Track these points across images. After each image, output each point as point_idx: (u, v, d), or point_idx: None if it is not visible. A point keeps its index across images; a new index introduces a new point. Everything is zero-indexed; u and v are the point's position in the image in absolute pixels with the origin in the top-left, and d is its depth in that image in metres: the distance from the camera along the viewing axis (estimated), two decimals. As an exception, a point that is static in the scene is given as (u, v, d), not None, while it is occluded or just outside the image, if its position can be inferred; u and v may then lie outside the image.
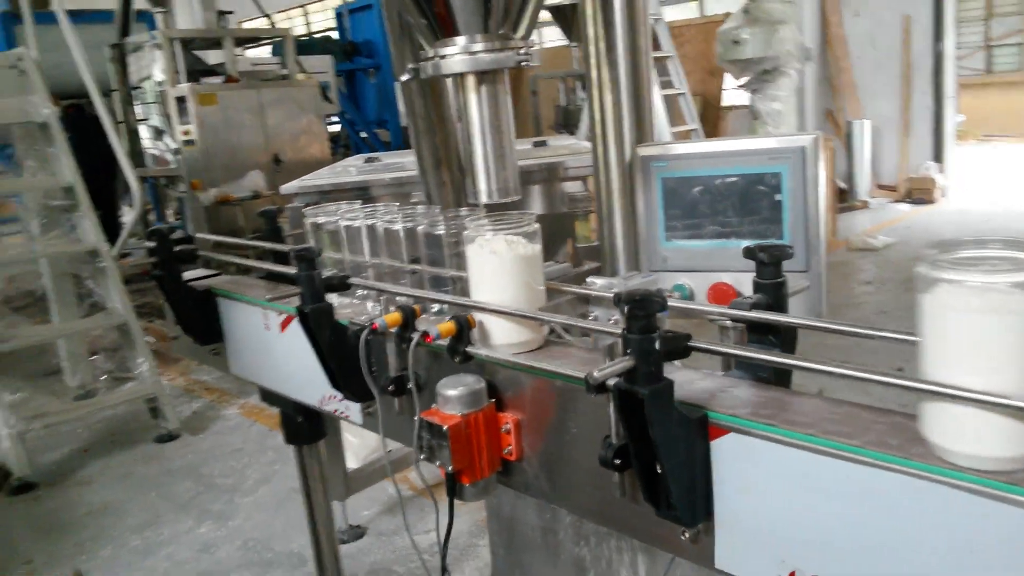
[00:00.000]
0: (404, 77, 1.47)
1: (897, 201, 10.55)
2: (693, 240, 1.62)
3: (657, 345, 1.06)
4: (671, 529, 1.20)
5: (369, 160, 4.06)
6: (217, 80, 8.93)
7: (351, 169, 3.87)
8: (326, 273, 1.66)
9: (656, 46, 7.89)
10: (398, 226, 1.62)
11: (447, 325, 1.40)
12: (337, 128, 13.38)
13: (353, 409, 1.82)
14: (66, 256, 5.18)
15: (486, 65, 1.35)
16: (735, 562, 1.16)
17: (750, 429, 1.10)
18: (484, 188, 1.45)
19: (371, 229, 1.76)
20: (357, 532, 3.50)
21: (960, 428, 0.91)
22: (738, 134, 11.60)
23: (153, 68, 9.29)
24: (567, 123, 10.77)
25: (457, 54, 1.35)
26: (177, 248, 2.26)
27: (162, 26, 8.80)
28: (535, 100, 11.44)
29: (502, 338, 1.44)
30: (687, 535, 1.18)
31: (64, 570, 3.43)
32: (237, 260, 2.28)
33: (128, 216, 10.36)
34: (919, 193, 10.35)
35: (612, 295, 1.26)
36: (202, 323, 2.28)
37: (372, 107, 11.93)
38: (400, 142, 11.29)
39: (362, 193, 3.58)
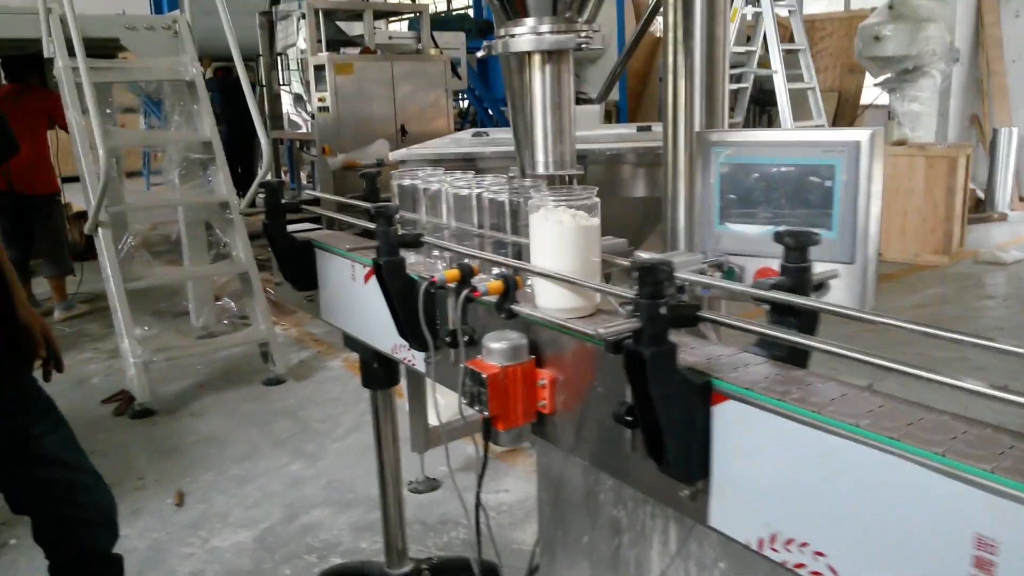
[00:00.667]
0: (480, 54, 1.58)
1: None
2: (746, 225, 1.68)
3: (663, 311, 1.14)
4: (673, 486, 1.29)
5: (477, 134, 4.22)
6: (355, 51, 9.32)
7: (461, 141, 4.04)
8: (402, 231, 1.82)
9: (789, 38, 7.70)
10: (467, 191, 1.75)
11: (495, 283, 1.52)
12: (466, 104, 13.68)
13: (419, 358, 1.97)
14: (200, 206, 5.60)
15: (549, 45, 1.45)
16: (726, 522, 1.24)
17: (749, 398, 1.17)
18: (542, 160, 1.56)
19: (446, 193, 1.90)
20: (432, 484, 3.69)
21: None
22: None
23: (298, 36, 9.76)
24: (693, 112, 10.59)
25: (525, 34, 1.46)
26: (283, 200, 2.47)
27: (307, -4, 9.21)
28: (661, 87, 11.38)
29: (556, 303, 1.53)
30: (686, 492, 1.27)
31: (170, 488, 3.78)
32: (333, 215, 2.47)
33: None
34: (1065, 209, 9.71)
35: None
36: (300, 271, 2.49)
37: (500, 85, 12.09)
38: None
39: (468, 164, 3.75)
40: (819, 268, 1.62)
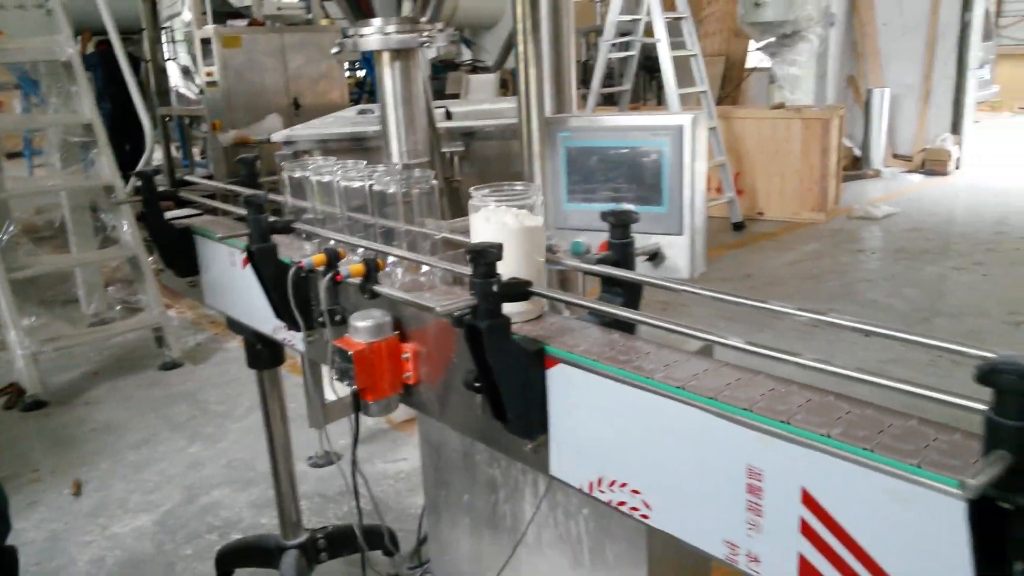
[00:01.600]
0: (333, 51, 1.68)
1: (911, 172, 10.56)
2: (590, 202, 1.83)
3: (495, 288, 1.28)
4: (519, 442, 1.44)
5: (362, 111, 4.27)
6: (243, 23, 9.12)
7: (346, 119, 4.09)
8: (272, 218, 1.90)
9: (672, 6, 7.94)
10: (331, 179, 1.85)
11: (357, 266, 1.64)
12: (362, 73, 13.52)
13: (297, 338, 2.07)
14: (83, 190, 5.47)
15: (396, 44, 1.56)
16: (563, 470, 1.40)
17: (577, 362, 1.33)
18: (396, 149, 1.67)
19: (318, 182, 1.99)
20: (331, 458, 3.79)
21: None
22: (757, 97, 11.61)
23: (183, 8, 9.48)
24: (586, 78, 10.81)
25: (372, 34, 1.56)
26: (160, 189, 2.51)
27: (192, -33, 8.95)
28: (556, 55, 11.51)
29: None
30: (529, 447, 1.42)
31: (66, 479, 3.77)
32: (212, 203, 2.52)
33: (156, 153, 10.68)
34: (933, 165, 10.36)
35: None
36: (181, 258, 2.54)
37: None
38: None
39: (354, 143, 3.81)
40: (655, 239, 1.81)
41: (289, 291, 1.78)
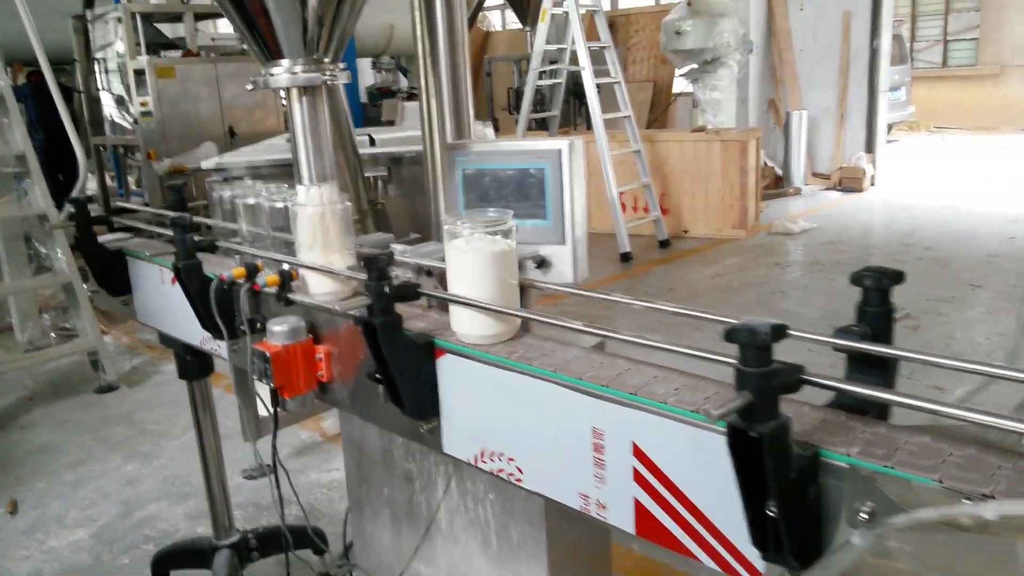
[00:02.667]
0: (248, 87, 1.89)
1: (829, 189, 11.09)
2: (485, 217, 2.06)
3: (387, 289, 1.50)
4: (417, 424, 1.65)
5: (289, 140, 4.45)
6: (176, 53, 9.21)
7: (273, 147, 4.27)
8: (197, 237, 2.09)
9: (595, 36, 8.30)
10: (252, 201, 2.05)
11: (272, 277, 1.84)
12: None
13: (223, 347, 2.25)
14: (16, 220, 5.53)
15: (303, 82, 1.78)
16: (454, 447, 1.62)
17: (458, 351, 1.55)
18: (305, 173, 1.88)
19: (243, 204, 2.19)
20: (264, 470, 3.93)
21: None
22: (684, 120, 12.07)
23: (115, 39, 9.53)
24: (518, 104, 11.12)
25: (282, 73, 1.78)
26: (93, 215, 2.67)
27: (124, 0, 9.02)
28: (489, 82, 11.84)
29: (476, 330, 1.54)
30: (425, 428, 1.64)
31: (2, 499, 3.84)
32: (144, 226, 2.69)
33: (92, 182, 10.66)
34: (849, 182, 10.90)
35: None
36: (114, 279, 2.70)
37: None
38: (360, 117, 11.64)
39: (282, 169, 4.00)
40: (542, 250, 2.04)
41: (212, 302, 1.96)
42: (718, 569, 1.21)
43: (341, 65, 1.84)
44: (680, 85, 12.68)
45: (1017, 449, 1.04)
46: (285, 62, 1.77)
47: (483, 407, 1.53)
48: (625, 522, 1.32)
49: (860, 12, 11.00)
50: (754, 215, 8.63)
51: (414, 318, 1.72)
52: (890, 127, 16.29)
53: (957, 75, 19.12)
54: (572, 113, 10.00)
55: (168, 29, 9.89)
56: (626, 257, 7.71)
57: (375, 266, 1.49)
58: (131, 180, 12.02)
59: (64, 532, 3.54)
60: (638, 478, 1.28)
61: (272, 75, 1.79)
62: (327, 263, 1.83)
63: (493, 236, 1.55)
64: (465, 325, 1.56)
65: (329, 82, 1.78)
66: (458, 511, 2.29)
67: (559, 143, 1.94)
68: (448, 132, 2.22)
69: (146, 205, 9.09)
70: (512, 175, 2.00)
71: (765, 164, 11.38)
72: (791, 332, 1.05)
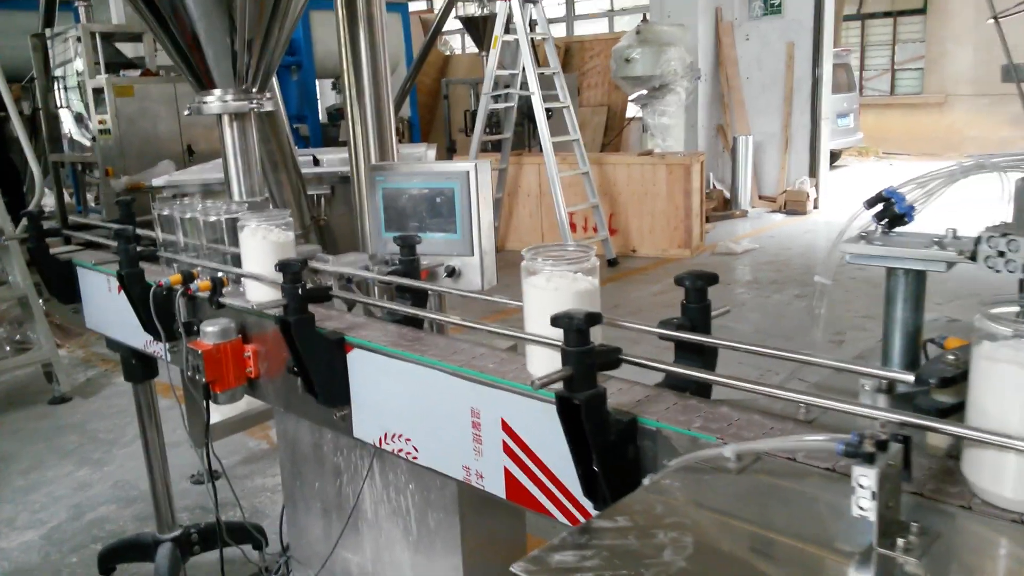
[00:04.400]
0: (185, 113, 2.10)
1: (774, 211, 11.49)
2: (402, 231, 2.29)
3: (300, 291, 1.72)
4: (330, 412, 1.87)
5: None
6: (135, 72, 9.34)
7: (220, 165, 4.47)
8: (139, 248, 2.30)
9: (545, 62, 8.61)
10: (189, 215, 2.26)
11: (205, 283, 2.05)
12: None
13: (162, 348, 2.45)
14: (-28, 235, 5.64)
15: (233, 109, 2.01)
16: (363, 431, 1.84)
17: (368, 347, 1.77)
18: (236, 190, 2.11)
19: (181, 218, 2.40)
20: (214, 475, 4.09)
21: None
22: (637, 144, 12.43)
23: (75, 58, 9.64)
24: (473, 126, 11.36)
25: (215, 101, 2.00)
26: (45, 227, 2.86)
27: (84, 19, 9.14)
28: (446, 104, 12.11)
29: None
30: (337, 415, 1.85)
31: (-46, 505, 3.97)
32: (95, 239, 2.88)
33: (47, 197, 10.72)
34: (793, 205, 11.31)
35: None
36: (64, 287, 2.88)
37: (293, 103, 12.33)
38: (319, 137, 11.84)
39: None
40: (453, 261, 2.28)
41: (151, 306, 2.17)
42: (569, 524, 1.44)
43: (268, 94, 2.07)
44: (633, 109, 13.05)
45: (799, 417, 1.29)
46: (217, 91, 2.00)
47: (385, 395, 1.76)
48: (498, 489, 1.55)
49: (803, 43, 11.46)
50: (699, 235, 8.96)
51: (331, 319, 1.94)
52: (840, 153, 16.86)
53: (904, 103, 19.79)
54: (527, 135, 10.28)
55: (128, 49, 10.01)
56: (574, 275, 7.97)
57: (289, 271, 1.72)
58: (90, 197, 12.09)
59: (14, 534, 3.68)
60: (507, 450, 1.51)
61: (205, 102, 2.01)
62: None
63: (574, 274, 1.43)
64: (543, 367, 1.36)
65: (256, 109, 2.01)
66: (381, 501, 2.50)
67: (467, 165, 2.19)
68: (372, 155, 2.45)
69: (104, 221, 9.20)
70: (426, 194, 2.24)
71: (713, 187, 11.78)
72: (605, 320, 1.29)
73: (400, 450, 1.75)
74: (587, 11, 15.93)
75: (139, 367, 2.79)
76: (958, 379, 1.08)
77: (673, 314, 1.49)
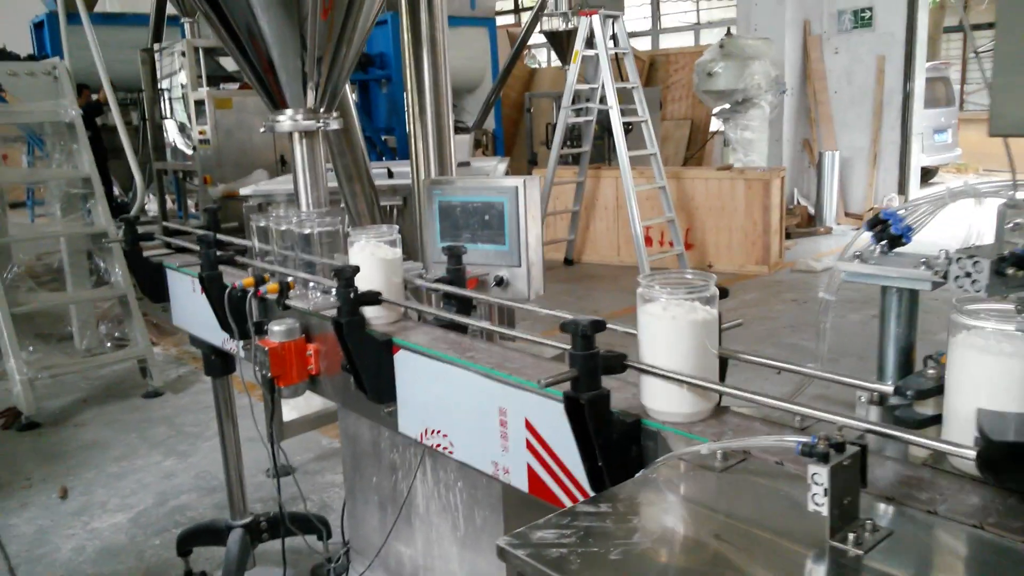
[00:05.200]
0: (261, 130, 2.30)
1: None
2: (456, 241, 2.44)
3: (352, 295, 1.88)
4: (379, 408, 2.02)
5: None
6: (234, 86, 9.85)
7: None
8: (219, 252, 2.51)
9: (625, 76, 8.69)
10: (263, 223, 2.46)
11: (273, 286, 2.24)
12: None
13: (240, 346, 2.65)
14: (81, 236, 6.10)
15: (303, 128, 2.19)
16: (407, 426, 1.98)
17: (413, 348, 1.92)
18: (304, 202, 2.29)
19: (271, 228, 2.60)
20: (286, 470, 4.33)
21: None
22: (719, 158, 12.35)
23: (179, 72, 10.22)
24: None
25: (286, 120, 2.19)
26: (140, 231, 3.12)
27: (189, 35, 9.69)
28: (529, 117, 12.29)
29: (669, 406, 1.37)
30: (385, 411, 2.00)
31: (55, 486, 4.31)
32: (178, 242, 3.13)
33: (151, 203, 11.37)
34: (880, 222, 11.02)
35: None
36: (155, 287, 3.14)
37: (382, 115, 12.72)
38: (406, 149, 12.20)
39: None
40: (502, 271, 2.41)
41: (226, 305, 2.37)
42: (584, 517, 1.54)
43: (335, 114, 2.25)
44: (716, 123, 12.97)
45: (795, 424, 1.37)
46: (288, 111, 2.19)
47: (427, 393, 1.90)
48: (522, 483, 1.67)
49: (894, 57, 11.20)
50: (778, 251, 8.87)
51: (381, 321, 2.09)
52: (936, 169, 16.30)
53: (1007, 118, 18.95)
54: (606, 149, 10.36)
55: (228, 63, 10.55)
56: (648, 289, 8.01)
57: (342, 276, 1.88)
58: (191, 204, 12.76)
59: (106, 516, 3.98)
60: (529, 447, 1.63)
61: (278, 121, 2.20)
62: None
63: (692, 303, 1.39)
64: (661, 400, 1.37)
65: (323, 128, 2.18)
66: (432, 497, 2.64)
67: (516, 180, 2.32)
68: (433, 169, 2.61)
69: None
70: (478, 207, 2.38)
71: (798, 203, 11.60)
72: (608, 326, 1.40)
73: (438, 445, 1.89)
74: (673, 24, 15.92)
75: (218, 363, 3.02)
76: (934, 392, 1.14)
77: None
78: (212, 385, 3.15)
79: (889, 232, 1.31)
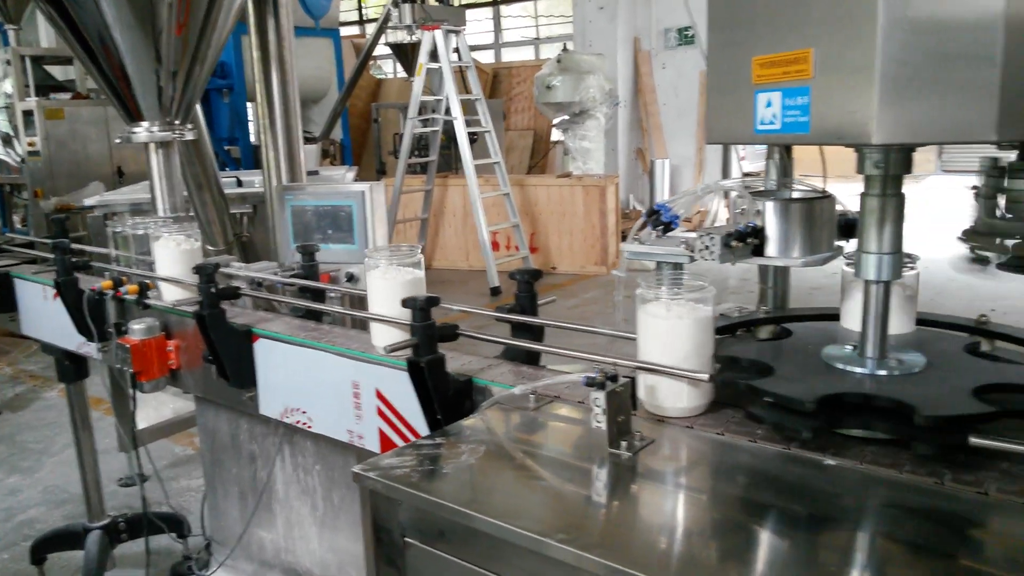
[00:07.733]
0: (116, 140, 2.43)
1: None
2: (307, 243, 2.64)
3: (213, 290, 2.06)
4: (239, 394, 2.20)
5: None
6: (66, 95, 9.47)
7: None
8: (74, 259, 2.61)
9: (467, 89, 9.05)
10: (119, 229, 2.58)
11: (133, 287, 2.37)
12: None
13: (94, 348, 2.75)
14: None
15: (159, 139, 2.35)
16: (267, 408, 2.18)
17: (267, 335, 2.12)
18: (161, 207, 2.44)
19: (112, 232, 2.71)
20: (143, 477, 4.34)
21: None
22: (560, 166, 12.94)
23: (3, 81, 9.72)
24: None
25: (142, 131, 2.34)
26: (-18, 243, 3.13)
27: (14, 43, 9.24)
28: (377, 127, 12.45)
29: (668, 401, 1.41)
30: (246, 396, 2.19)
31: None
32: (34, 252, 3.16)
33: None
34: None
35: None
36: (1, 298, 3.15)
37: (224, 125, 12.46)
38: (250, 158, 12.04)
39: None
40: (352, 267, 2.63)
41: (84, 307, 2.48)
42: (428, 470, 1.80)
43: (190, 124, 2.41)
44: (557, 133, 13.58)
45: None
46: (144, 123, 2.33)
47: (285, 376, 2.11)
48: (374, 445, 1.91)
49: (715, 71, 12.13)
50: (615, 252, 9.46)
51: (241, 316, 2.28)
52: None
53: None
54: (453, 158, 10.68)
55: (58, 71, 10.12)
56: (495, 291, 8.39)
57: (204, 272, 2.06)
58: (16, 218, 12.07)
59: (-54, 535, 3.88)
60: (380, 413, 1.87)
61: (134, 132, 2.35)
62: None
63: (694, 304, 1.43)
64: (659, 395, 1.41)
65: (179, 139, 2.35)
66: (292, 482, 2.83)
67: (363, 185, 2.56)
68: (283, 176, 2.80)
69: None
70: (328, 210, 2.60)
71: (633, 208, 12.34)
72: (441, 304, 1.68)
73: (299, 421, 2.10)
74: (515, 39, 16.48)
75: (72, 368, 3.07)
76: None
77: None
78: (66, 391, 3.19)
79: (661, 220, 1.65)
